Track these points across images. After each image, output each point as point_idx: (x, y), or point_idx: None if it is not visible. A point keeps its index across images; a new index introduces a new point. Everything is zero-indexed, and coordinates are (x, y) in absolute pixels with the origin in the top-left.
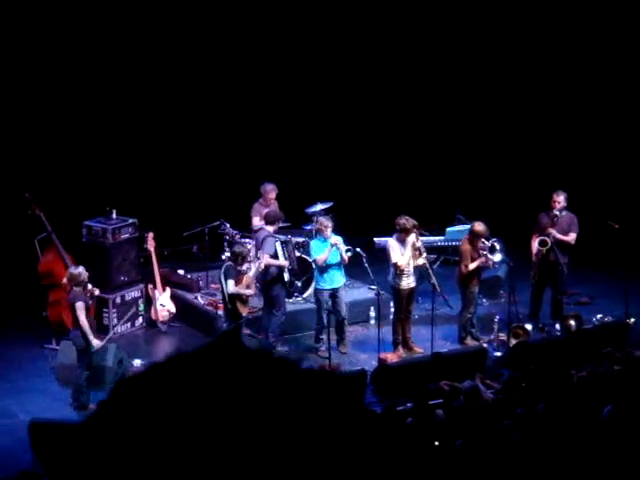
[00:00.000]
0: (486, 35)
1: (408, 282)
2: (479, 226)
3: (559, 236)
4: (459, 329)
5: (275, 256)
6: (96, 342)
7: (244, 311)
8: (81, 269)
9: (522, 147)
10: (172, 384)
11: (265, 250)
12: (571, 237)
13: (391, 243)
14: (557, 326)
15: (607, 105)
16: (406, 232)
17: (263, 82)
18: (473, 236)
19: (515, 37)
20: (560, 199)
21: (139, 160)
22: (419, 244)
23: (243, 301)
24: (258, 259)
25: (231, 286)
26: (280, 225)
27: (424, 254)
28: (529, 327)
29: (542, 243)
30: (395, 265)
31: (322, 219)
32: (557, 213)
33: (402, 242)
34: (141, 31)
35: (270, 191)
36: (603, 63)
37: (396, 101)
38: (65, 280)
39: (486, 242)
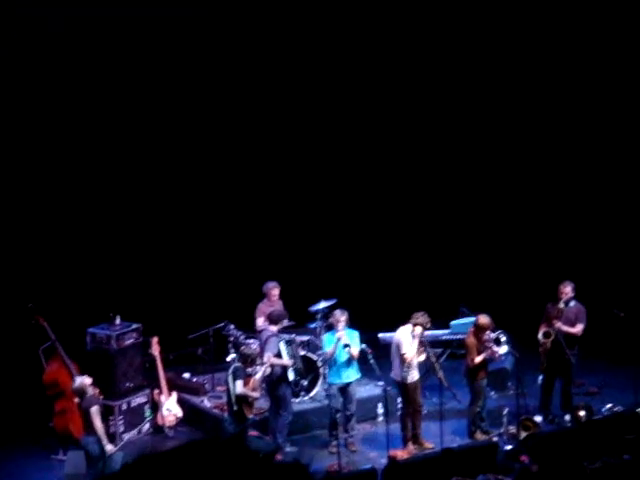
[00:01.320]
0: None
1: (413, 376)
2: (484, 319)
3: (565, 328)
4: (468, 423)
5: (279, 356)
6: (110, 447)
7: (249, 413)
8: (79, 379)
9: (525, 238)
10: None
11: (269, 350)
12: (577, 329)
13: (404, 336)
14: (567, 417)
15: (608, 187)
16: (423, 329)
17: (261, 181)
18: (478, 329)
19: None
20: (567, 290)
21: (141, 265)
22: (423, 339)
23: (249, 403)
24: (263, 362)
25: (239, 387)
26: (285, 324)
27: (427, 349)
28: (539, 419)
29: (546, 335)
30: (403, 358)
31: (337, 312)
32: (562, 306)
33: (414, 337)
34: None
35: (272, 288)
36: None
37: (396, 197)
38: (74, 395)
39: (491, 334)
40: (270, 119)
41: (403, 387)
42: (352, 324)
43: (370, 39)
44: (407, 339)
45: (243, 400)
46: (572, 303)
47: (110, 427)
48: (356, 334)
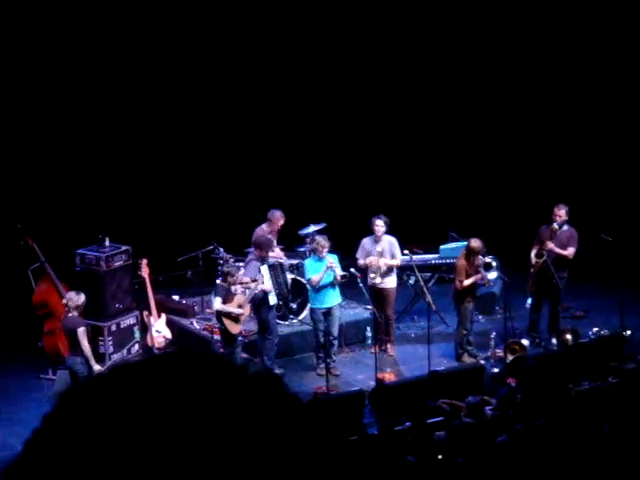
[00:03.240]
0: (477, 41)
1: (375, 280)
2: (475, 242)
3: (557, 250)
4: (455, 346)
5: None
6: (97, 367)
7: (235, 329)
8: (82, 296)
9: (515, 163)
10: (115, 395)
11: (247, 273)
12: (569, 251)
13: (363, 241)
14: (554, 340)
15: (599, 118)
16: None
17: (250, 105)
18: (469, 252)
19: (507, 44)
20: (561, 213)
21: (130, 187)
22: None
23: (234, 319)
24: (255, 281)
25: (217, 303)
26: (269, 253)
27: (416, 272)
28: (526, 342)
29: (539, 255)
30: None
31: (319, 238)
32: (556, 227)
33: (375, 242)
34: (131, 57)
35: (279, 218)
36: (589, 78)
37: (385, 117)
38: (65, 302)
39: (482, 259)
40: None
41: (369, 292)
42: (341, 248)
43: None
44: (365, 243)
45: (226, 316)
46: (565, 227)
47: (99, 348)
48: (336, 258)
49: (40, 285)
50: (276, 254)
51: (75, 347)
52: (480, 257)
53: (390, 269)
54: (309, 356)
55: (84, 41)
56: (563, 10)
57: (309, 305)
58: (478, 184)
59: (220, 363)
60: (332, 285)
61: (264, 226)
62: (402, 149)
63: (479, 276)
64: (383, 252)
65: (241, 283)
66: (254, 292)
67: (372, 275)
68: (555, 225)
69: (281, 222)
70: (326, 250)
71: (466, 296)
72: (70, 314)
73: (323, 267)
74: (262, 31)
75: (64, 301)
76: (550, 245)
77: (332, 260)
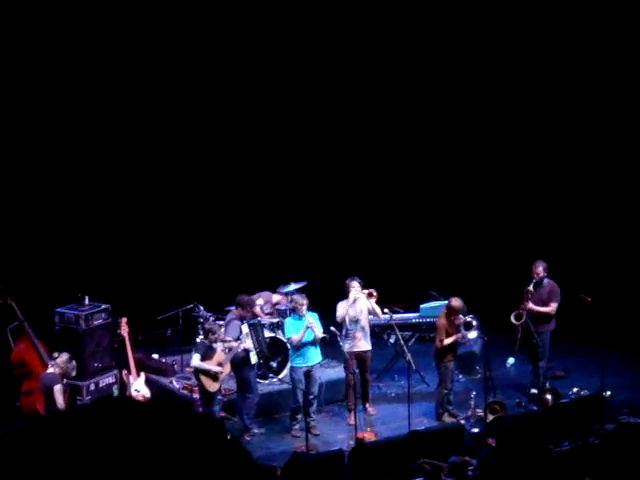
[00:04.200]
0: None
1: (347, 346)
2: (456, 302)
3: (536, 308)
4: (436, 406)
5: (240, 339)
6: None
7: (212, 387)
8: (73, 363)
9: (495, 221)
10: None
11: (229, 333)
12: (550, 307)
13: (339, 304)
14: (533, 390)
15: (580, 166)
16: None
17: (235, 159)
18: (450, 311)
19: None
20: (539, 270)
21: (111, 245)
22: (370, 303)
23: (212, 377)
24: (239, 340)
25: (195, 360)
26: (252, 312)
27: (396, 332)
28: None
29: (517, 317)
30: (339, 320)
31: (297, 297)
32: (531, 288)
33: (353, 304)
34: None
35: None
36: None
37: (368, 177)
38: (53, 361)
39: (463, 318)
40: (261, 107)
41: (344, 357)
42: (322, 306)
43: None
44: (341, 306)
45: (203, 373)
46: (545, 281)
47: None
48: (316, 316)
49: (19, 344)
50: (257, 312)
51: (51, 406)
52: (461, 316)
53: (367, 332)
54: (288, 416)
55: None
56: (562, 21)
57: (289, 364)
58: (457, 244)
59: (155, 407)
60: (313, 344)
61: (274, 295)
62: (384, 207)
63: (459, 335)
64: (360, 313)
65: (223, 341)
66: (236, 351)
67: (349, 342)
68: (530, 286)
69: (284, 289)
70: (304, 308)
71: (447, 355)
72: (50, 370)
73: (303, 326)
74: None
75: (54, 359)
76: (529, 305)
77: (312, 320)
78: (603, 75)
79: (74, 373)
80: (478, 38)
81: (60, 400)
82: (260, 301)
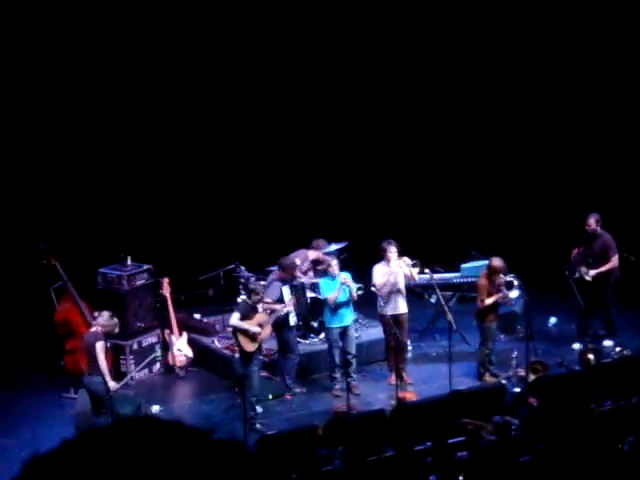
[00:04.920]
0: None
1: (387, 310)
2: (497, 261)
3: (594, 272)
4: (477, 366)
5: (281, 300)
6: (113, 384)
7: (250, 347)
8: (115, 320)
9: (537, 180)
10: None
11: (269, 294)
12: (609, 266)
13: (376, 269)
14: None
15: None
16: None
17: (273, 125)
18: (490, 272)
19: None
20: (590, 222)
21: (153, 206)
22: (408, 269)
23: (250, 337)
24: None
25: (234, 318)
26: (292, 275)
27: (437, 292)
28: (577, 345)
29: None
30: (377, 287)
31: (327, 257)
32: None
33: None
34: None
35: (324, 247)
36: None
37: (413, 139)
38: (98, 325)
39: (504, 277)
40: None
41: (381, 320)
42: (365, 267)
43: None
44: (379, 271)
45: (241, 332)
46: (600, 232)
47: (121, 366)
48: (349, 275)
49: (62, 304)
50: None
51: (94, 364)
52: (502, 276)
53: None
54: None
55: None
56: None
57: (325, 325)
58: (500, 203)
59: (180, 434)
60: (347, 304)
61: (306, 250)
62: (427, 170)
63: (500, 295)
64: (398, 276)
65: (265, 303)
66: (280, 314)
67: (388, 306)
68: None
69: (322, 249)
70: (336, 268)
71: (488, 315)
72: (92, 329)
73: (337, 285)
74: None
75: (95, 319)
76: (592, 272)
77: (345, 276)
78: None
79: (117, 330)
80: (476, 29)
81: (102, 358)
82: (297, 260)
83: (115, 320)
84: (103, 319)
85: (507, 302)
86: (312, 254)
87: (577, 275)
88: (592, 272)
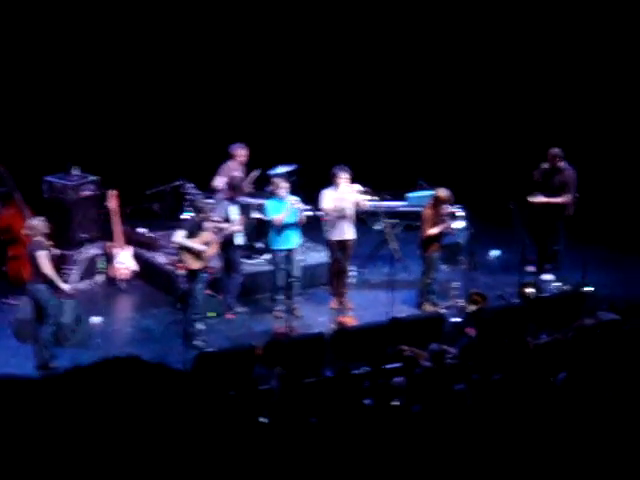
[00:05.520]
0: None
1: (334, 234)
2: (443, 192)
3: (543, 200)
4: (418, 294)
5: (228, 220)
6: (65, 286)
7: (195, 265)
8: (41, 220)
9: (489, 113)
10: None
11: (217, 213)
12: (561, 199)
13: (325, 193)
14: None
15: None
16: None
17: (230, 41)
18: (436, 202)
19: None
20: (550, 158)
21: (103, 117)
22: (358, 195)
23: (195, 255)
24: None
25: (178, 236)
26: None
27: (382, 219)
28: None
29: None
30: (324, 212)
31: (276, 179)
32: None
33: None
34: None
35: (240, 151)
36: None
37: (370, 66)
38: (24, 231)
39: (449, 208)
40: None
41: (327, 244)
42: (312, 191)
43: None
44: (328, 196)
45: (186, 250)
46: (562, 166)
47: (64, 276)
48: (298, 199)
49: (6, 210)
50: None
51: (37, 272)
52: (447, 206)
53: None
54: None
55: None
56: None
57: (270, 247)
58: (451, 133)
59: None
60: (294, 226)
61: (229, 163)
62: (378, 97)
63: (445, 225)
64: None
65: (213, 221)
66: (226, 232)
67: (335, 230)
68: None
69: (243, 153)
70: (284, 190)
71: (432, 245)
72: (36, 238)
73: (285, 208)
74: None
75: (26, 230)
76: (541, 198)
77: (294, 199)
78: None
79: (44, 232)
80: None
81: (46, 265)
82: (223, 180)
83: (40, 219)
84: (38, 229)
85: (451, 233)
86: (232, 164)
87: (529, 198)
88: (542, 198)
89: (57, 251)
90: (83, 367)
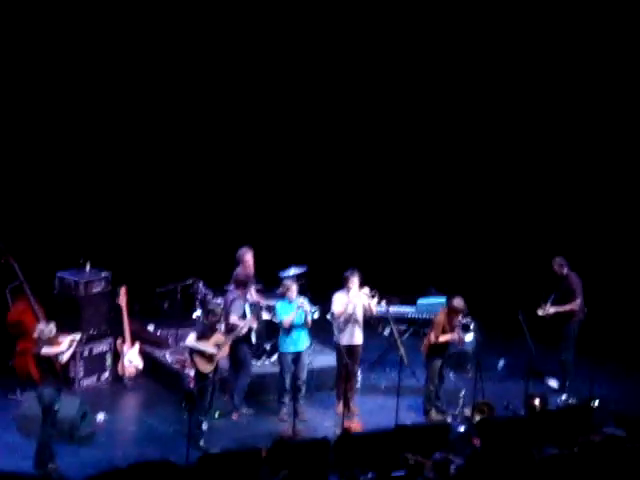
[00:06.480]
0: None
1: (344, 339)
2: (458, 302)
3: (552, 309)
4: (424, 401)
5: (243, 318)
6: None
7: (206, 369)
8: (52, 325)
9: (498, 222)
10: None
11: (234, 311)
12: (568, 307)
13: (336, 296)
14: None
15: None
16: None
17: (240, 144)
18: (451, 311)
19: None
20: (555, 267)
21: (117, 213)
22: (367, 300)
23: (206, 358)
24: (227, 322)
25: (190, 339)
26: (250, 288)
27: (391, 325)
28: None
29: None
30: (334, 316)
31: (286, 281)
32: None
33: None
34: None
35: (245, 254)
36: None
37: (373, 172)
38: (35, 335)
39: (461, 320)
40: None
41: (336, 348)
42: (322, 294)
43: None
44: (339, 300)
45: (197, 353)
46: (567, 274)
47: (69, 372)
48: (307, 300)
49: (17, 305)
50: (252, 296)
51: (44, 375)
52: (460, 317)
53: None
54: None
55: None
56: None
57: (279, 349)
58: (460, 241)
59: None
60: (302, 328)
61: (239, 268)
62: (391, 199)
63: (455, 336)
64: (356, 308)
65: (229, 324)
66: (239, 333)
67: (345, 335)
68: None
69: (248, 257)
70: (294, 292)
71: (436, 352)
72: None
73: (293, 309)
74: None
75: (35, 335)
76: (551, 309)
77: (302, 300)
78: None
79: (52, 334)
80: (476, 36)
81: (51, 352)
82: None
83: (50, 326)
84: (44, 334)
85: (459, 344)
86: (241, 270)
87: (539, 312)
88: (551, 309)
89: (77, 336)
90: (120, 469)
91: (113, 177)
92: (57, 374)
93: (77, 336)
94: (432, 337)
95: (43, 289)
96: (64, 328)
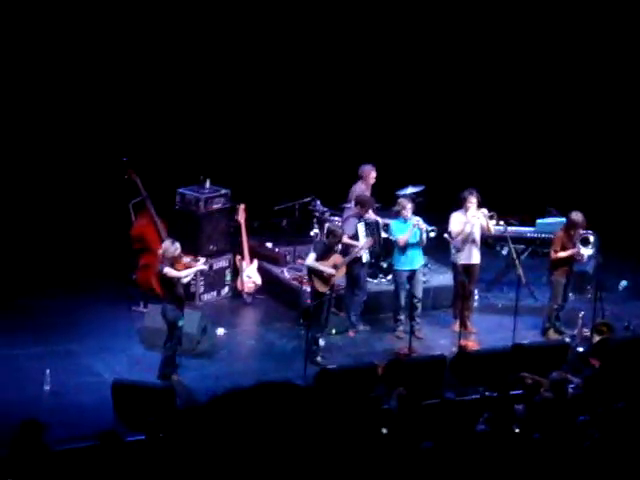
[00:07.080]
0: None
1: (461, 258)
2: (577, 216)
3: None
4: (543, 320)
5: (355, 237)
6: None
7: (322, 288)
8: (177, 245)
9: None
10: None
11: (346, 230)
12: None
13: (453, 218)
14: None
15: None
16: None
17: (361, 63)
18: (569, 225)
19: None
20: None
21: (236, 132)
22: (485, 220)
23: (324, 278)
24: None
25: (310, 259)
26: (370, 211)
27: (510, 244)
28: None
29: None
30: (452, 235)
31: (401, 200)
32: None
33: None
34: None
35: (370, 172)
36: None
37: (491, 90)
38: (160, 252)
39: (581, 233)
40: None
41: (453, 267)
42: (440, 212)
43: None
44: (457, 219)
45: (315, 274)
46: None
47: (190, 287)
48: (421, 220)
49: (139, 219)
50: (371, 215)
51: (167, 292)
52: (580, 230)
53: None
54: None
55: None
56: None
57: (394, 267)
58: (586, 162)
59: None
60: (417, 246)
61: (360, 184)
62: (510, 123)
63: (575, 250)
64: (474, 227)
65: (345, 243)
66: (355, 255)
67: (462, 254)
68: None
69: (373, 175)
70: (409, 211)
71: (559, 269)
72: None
73: (409, 228)
74: None
75: (160, 252)
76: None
77: (418, 218)
78: None
79: (177, 253)
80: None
81: (174, 273)
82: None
83: (175, 245)
84: (169, 252)
85: (580, 259)
86: (362, 185)
87: None
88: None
89: (201, 261)
90: (243, 390)
91: (234, 95)
92: (178, 291)
93: (204, 267)
94: (552, 253)
95: (164, 205)
96: (184, 243)
